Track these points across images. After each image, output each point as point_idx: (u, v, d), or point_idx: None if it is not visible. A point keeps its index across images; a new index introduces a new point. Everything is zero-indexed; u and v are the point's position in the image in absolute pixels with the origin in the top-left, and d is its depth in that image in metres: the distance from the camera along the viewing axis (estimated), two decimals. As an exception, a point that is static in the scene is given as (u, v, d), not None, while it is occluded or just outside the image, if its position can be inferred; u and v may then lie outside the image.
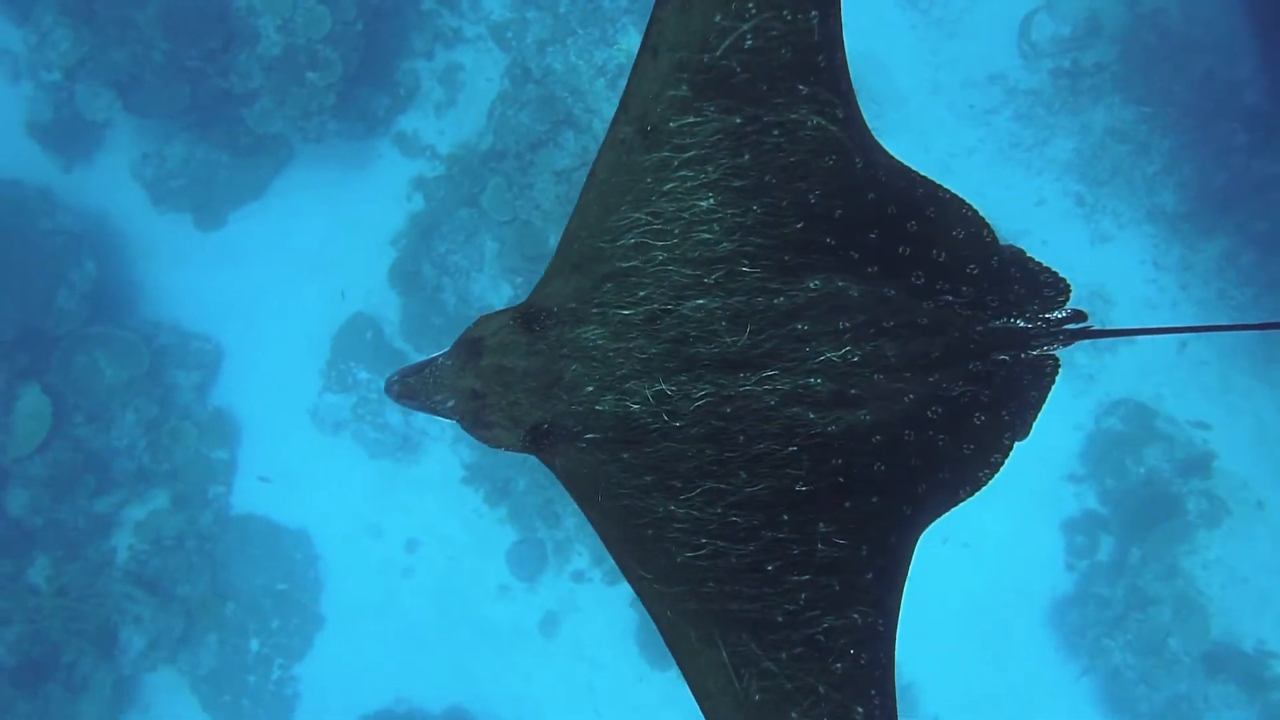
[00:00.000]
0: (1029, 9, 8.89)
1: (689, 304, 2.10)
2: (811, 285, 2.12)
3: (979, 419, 2.18)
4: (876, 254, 2.18)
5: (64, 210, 8.94)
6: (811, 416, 2.10)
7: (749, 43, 2.03)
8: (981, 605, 8.84)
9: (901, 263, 2.21)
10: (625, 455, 2.11)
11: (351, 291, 8.98)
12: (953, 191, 2.31)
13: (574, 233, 2.19)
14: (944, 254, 2.20)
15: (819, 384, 2.10)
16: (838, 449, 2.10)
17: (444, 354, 2.30)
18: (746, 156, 2.09)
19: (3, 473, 8.84)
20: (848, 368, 2.12)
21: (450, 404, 2.26)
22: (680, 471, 2.09)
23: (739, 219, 2.10)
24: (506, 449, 2.26)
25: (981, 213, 2.30)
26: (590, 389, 2.11)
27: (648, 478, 2.09)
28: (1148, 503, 8.63)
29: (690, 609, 2.06)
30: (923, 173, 2.25)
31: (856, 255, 2.16)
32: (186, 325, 9.15)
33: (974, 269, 2.20)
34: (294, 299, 9.02)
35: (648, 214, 2.10)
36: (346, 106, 8.72)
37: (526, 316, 2.19)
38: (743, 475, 2.09)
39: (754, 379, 2.09)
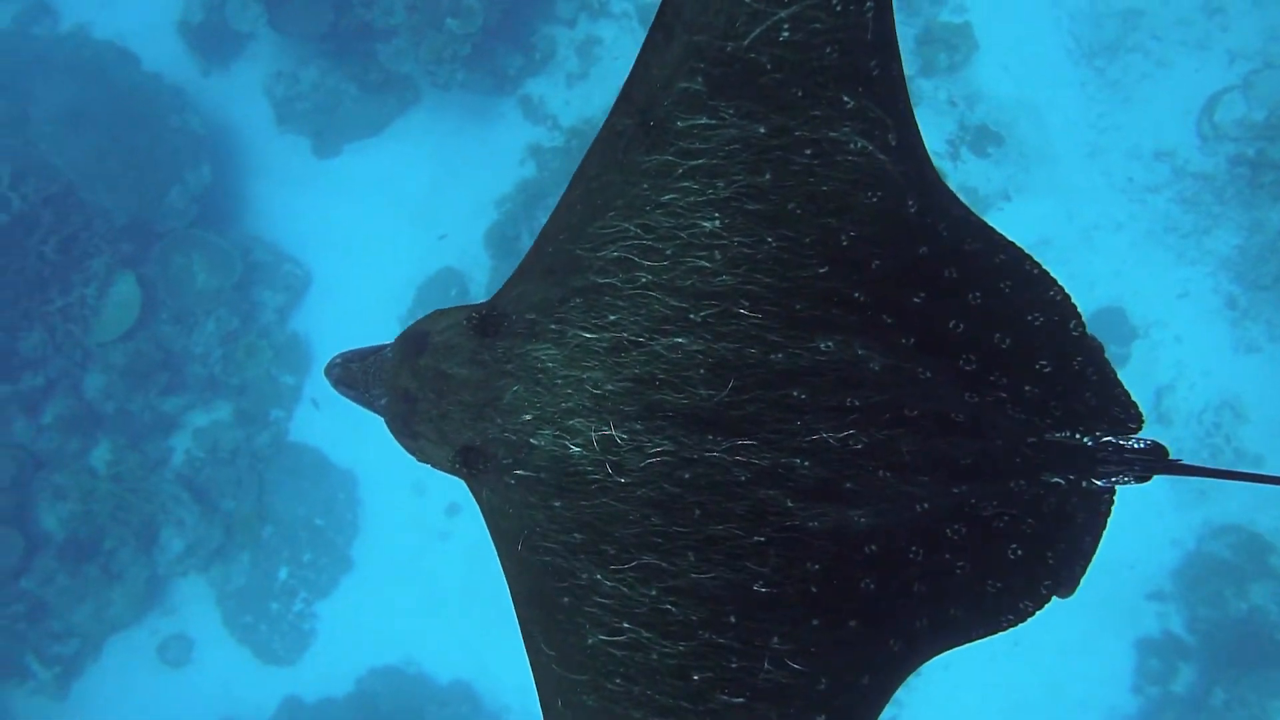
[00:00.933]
0: (1220, 86, 8.07)
1: (665, 340, 1.74)
2: (823, 346, 1.74)
3: (1014, 552, 1.77)
4: (918, 324, 1.78)
5: (193, 111, 9.10)
6: (789, 505, 1.72)
7: (785, 34, 1.64)
8: (1029, 707, 8.15)
9: (950, 341, 1.80)
10: (556, 504, 1.77)
11: (448, 243, 8.86)
12: (1044, 267, 1.88)
13: (551, 233, 1.86)
14: (1010, 340, 1.79)
15: (805, 467, 1.72)
16: (817, 551, 1.73)
17: (390, 345, 2.04)
18: (767, 176, 1.71)
19: (86, 354, 9.06)
20: (846, 455, 1.73)
21: (383, 401, 2.01)
22: (617, 536, 1.74)
23: (747, 250, 1.74)
24: (434, 467, 1.95)
25: (1082, 298, 1.87)
26: (528, 417, 1.78)
27: (578, 535, 1.75)
28: (1244, 642, 7.80)
29: (586, 705, 1.71)
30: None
31: (890, 321, 1.77)
32: (282, 246, 9.21)
33: (1045, 365, 1.79)
34: (390, 241, 8.96)
35: (638, 226, 1.75)
36: (479, 60, 8.59)
37: (483, 319, 1.88)
38: (690, 558, 1.73)
39: (725, 445, 1.73)
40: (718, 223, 1.73)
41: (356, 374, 2.07)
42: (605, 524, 1.75)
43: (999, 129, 8.12)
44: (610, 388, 1.75)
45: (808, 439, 1.73)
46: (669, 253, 1.75)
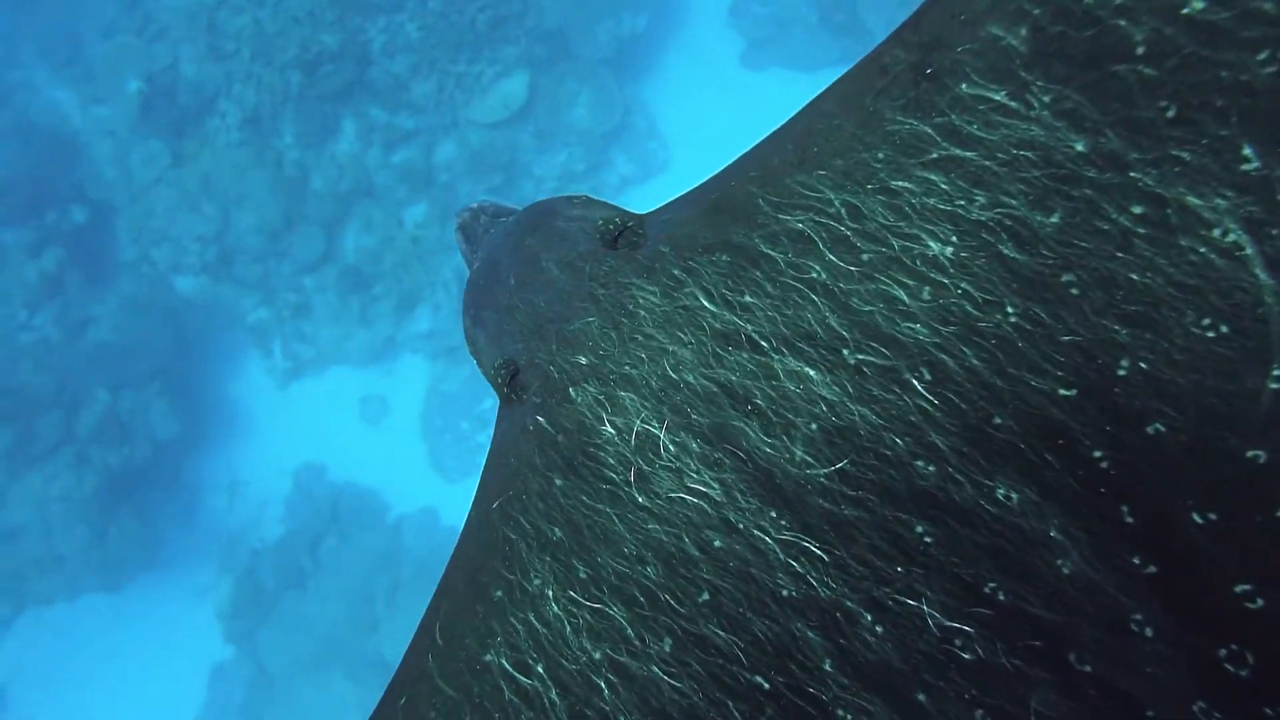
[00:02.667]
0: None
1: (791, 361, 1.23)
2: (1000, 495, 1.16)
3: None
4: (1177, 556, 1.14)
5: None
6: (826, 666, 1.20)
7: (1197, 6, 0.99)
8: None
9: (1221, 613, 1.13)
10: (558, 482, 1.35)
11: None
12: None
13: (745, 164, 1.39)
14: None
15: (875, 633, 1.19)
16: None
17: (508, 211, 1.79)
18: (1055, 218, 1.12)
19: (454, 122, 9.56)
20: (941, 655, 1.17)
21: (476, 266, 1.74)
22: (598, 562, 1.30)
23: (971, 307, 1.17)
24: (480, 367, 1.60)
25: None
26: (583, 360, 1.36)
27: (557, 531, 1.33)
28: None
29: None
30: None
31: (1131, 521, 1.15)
32: (660, 124, 9.15)
33: None
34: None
35: (845, 204, 1.24)
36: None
37: (619, 230, 1.45)
38: (665, 646, 1.27)
39: (787, 535, 1.22)
40: (950, 251, 1.16)
41: (477, 227, 1.81)
42: (593, 539, 1.31)
43: None
44: (690, 379, 1.27)
45: (901, 600, 1.17)
46: (865, 257, 1.21)
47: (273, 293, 9.87)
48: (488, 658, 1.28)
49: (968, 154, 1.12)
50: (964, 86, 1.13)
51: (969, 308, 1.14)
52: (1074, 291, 1.10)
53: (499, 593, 1.32)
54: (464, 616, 1.33)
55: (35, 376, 9.98)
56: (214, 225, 9.72)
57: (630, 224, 1.48)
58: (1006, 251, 1.11)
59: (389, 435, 9.70)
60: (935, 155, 1.15)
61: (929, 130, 1.15)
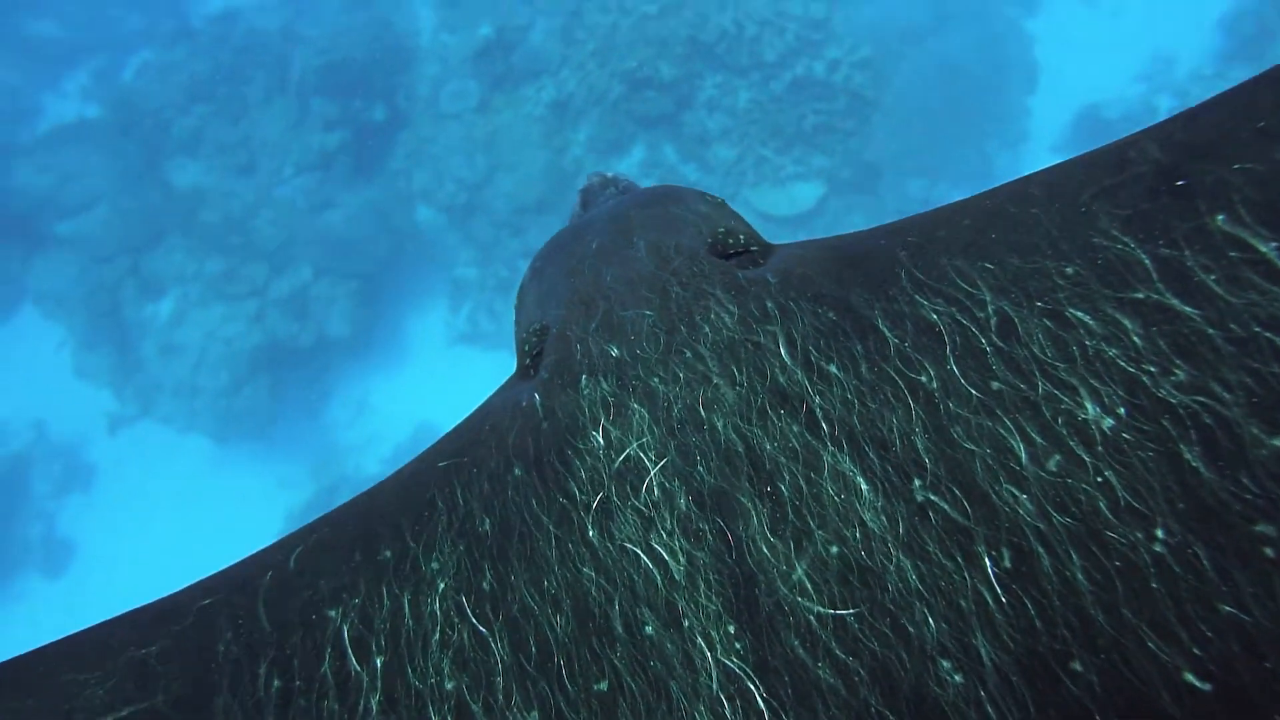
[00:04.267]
0: None
1: (843, 462, 0.96)
2: (944, 669, 0.85)
3: None
4: None
5: None
6: None
7: None
8: None
9: None
10: (518, 472, 1.12)
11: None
12: None
13: (904, 228, 1.13)
14: None
15: None
16: None
17: (637, 190, 1.66)
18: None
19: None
20: None
21: (570, 223, 1.67)
22: (506, 580, 1.08)
23: (1105, 509, 0.87)
24: (516, 327, 1.49)
25: None
26: (614, 351, 1.14)
27: (487, 525, 1.10)
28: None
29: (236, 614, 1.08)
30: None
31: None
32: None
33: None
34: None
35: (999, 311, 0.95)
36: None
37: (735, 245, 1.30)
38: (530, 717, 1.01)
39: (732, 664, 0.95)
40: (1110, 424, 0.86)
41: (601, 195, 1.75)
42: (518, 553, 1.07)
43: None
44: (719, 424, 1.01)
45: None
46: (995, 385, 0.92)
47: (489, 260, 10.16)
48: (331, 613, 1.04)
49: (1188, 309, 0.81)
50: (1221, 219, 0.83)
51: (1104, 506, 0.82)
52: (1268, 553, 0.75)
53: (388, 553, 1.08)
54: (335, 555, 1.09)
55: (266, 227, 10.70)
56: (477, 176, 10.15)
57: (754, 248, 1.25)
58: (1189, 457, 0.79)
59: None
60: (1142, 296, 0.84)
61: (1146, 260, 0.84)
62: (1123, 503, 0.80)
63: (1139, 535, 0.79)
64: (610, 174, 1.78)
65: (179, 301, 10.83)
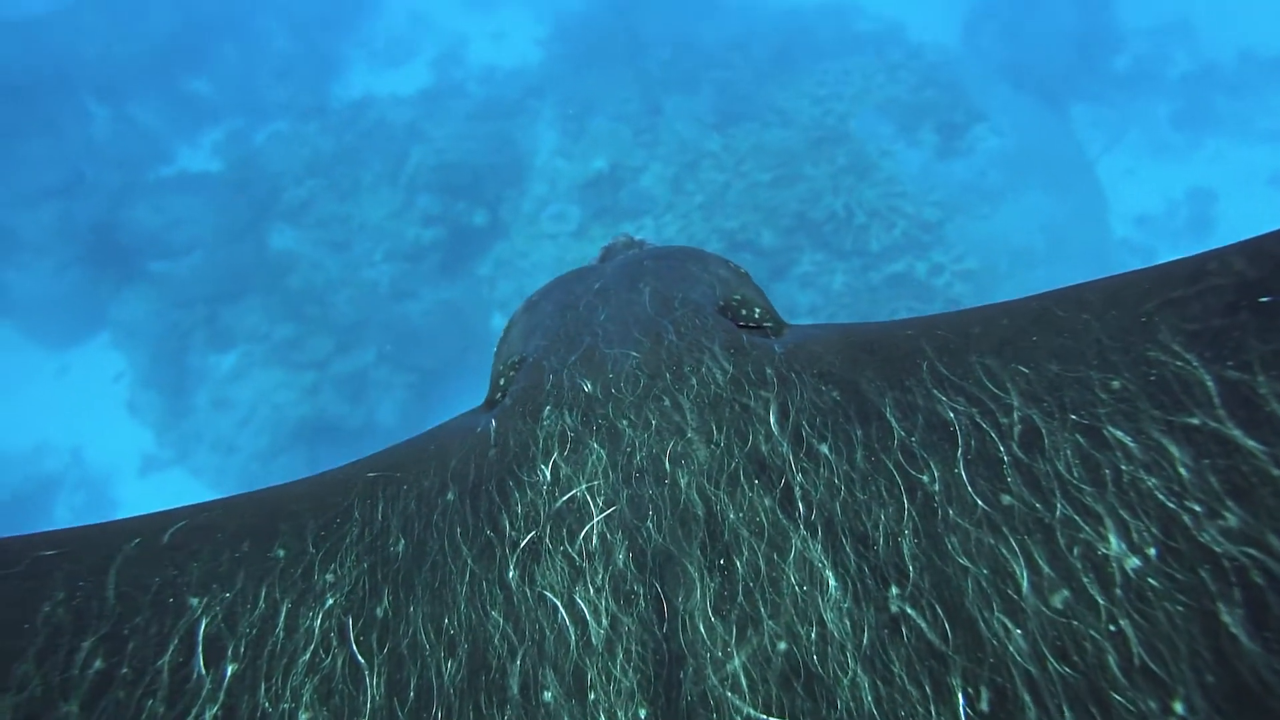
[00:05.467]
0: None
1: (814, 551, 0.83)
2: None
3: None
4: None
5: None
6: None
7: None
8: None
9: None
10: (450, 497, 1.03)
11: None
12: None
13: (935, 321, 1.03)
14: None
15: None
16: None
17: (657, 248, 1.59)
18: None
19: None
20: None
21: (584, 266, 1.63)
22: (404, 610, 0.99)
23: (1114, 666, 0.70)
24: (495, 358, 1.42)
25: None
26: (586, 386, 1.05)
27: (401, 546, 1.01)
28: None
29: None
30: None
31: None
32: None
33: None
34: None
35: (1025, 419, 0.84)
36: None
37: (749, 317, 1.25)
38: None
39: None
40: (1136, 564, 0.74)
41: (616, 251, 1.73)
42: (424, 582, 0.96)
43: None
44: (682, 481, 0.91)
45: None
46: (1005, 500, 0.83)
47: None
48: (192, 600, 0.92)
49: (1251, 443, 0.69)
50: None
51: (1112, 661, 0.67)
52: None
53: (281, 552, 0.97)
54: (219, 540, 0.98)
55: (343, 304, 10.95)
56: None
57: (768, 324, 1.15)
58: (1228, 620, 0.65)
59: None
60: (1197, 422, 0.72)
61: (1209, 382, 0.73)
62: (1137, 661, 0.65)
63: (1152, 705, 0.64)
64: (637, 237, 1.74)
65: (242, 358, 11.04)
